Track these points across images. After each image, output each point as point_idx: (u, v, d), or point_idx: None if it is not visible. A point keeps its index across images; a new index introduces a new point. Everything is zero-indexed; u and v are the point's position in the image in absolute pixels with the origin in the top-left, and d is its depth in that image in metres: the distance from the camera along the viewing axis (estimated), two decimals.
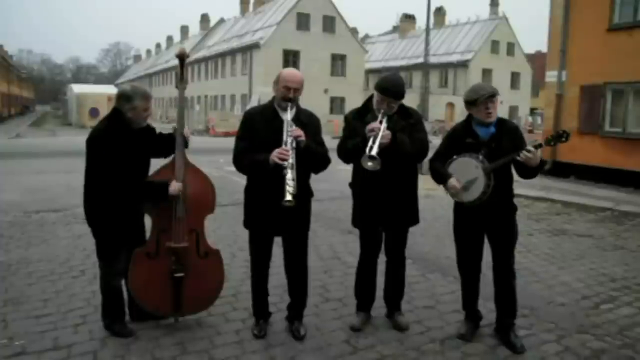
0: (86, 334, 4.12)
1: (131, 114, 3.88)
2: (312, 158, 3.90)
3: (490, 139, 3.93)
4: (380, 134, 3.80)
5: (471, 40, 49.55)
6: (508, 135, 3.94)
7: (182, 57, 4.06)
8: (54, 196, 9.74)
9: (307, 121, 3.94)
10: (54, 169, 13.48)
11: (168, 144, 4.08)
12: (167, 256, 3.99)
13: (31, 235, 7.17)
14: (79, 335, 4.11)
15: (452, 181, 4.00)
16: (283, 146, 3.70)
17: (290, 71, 3.97)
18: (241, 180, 4.08)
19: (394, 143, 3.86)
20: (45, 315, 4.48)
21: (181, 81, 4.06)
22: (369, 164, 3.72)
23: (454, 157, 4.02)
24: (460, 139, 4.03)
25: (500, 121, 4.00)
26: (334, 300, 4.92)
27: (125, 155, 3.82)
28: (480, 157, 3.86)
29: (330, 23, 41.20)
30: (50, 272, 5.59)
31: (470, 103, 3.91)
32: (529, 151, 3.71)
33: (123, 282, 4.11)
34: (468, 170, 3.91)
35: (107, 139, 3.81)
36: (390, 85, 3.98)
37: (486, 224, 4.08)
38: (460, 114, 43.86)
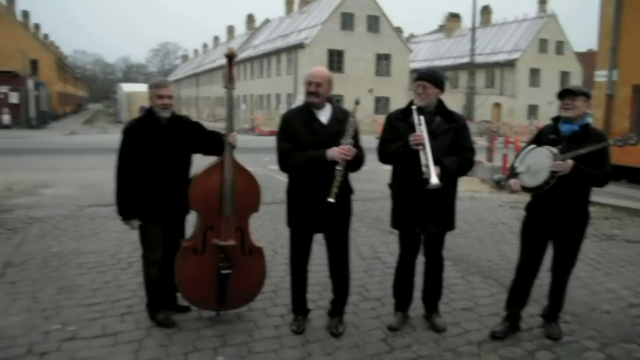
0: (132, 323, 4.31)
1: (151, 103, 4.10)
2: (355, 163, 3.97)
3: (571, 135, 3.93)
4: (426, 143, 3.84)
5: (518, 39, 48.43)
6: (588, 137, 3.89)
7: (231, 56, 4.15)
8: (105, 191, 10.02)
9: (343, 119, 3.98)
10: (105, 165, 13.80)
11: (218, 142, 4.20)
12: (213, 252, 4.12)
13: (83, 228, 7.48)
14: (126, 324, 4.31)
15: (513, 181, 4.10)
16: (343, 145, 3.79)
17: (313, 67, 4.09)
18: (285, 179, 4.18)
19: (439, 164, 3.88)
20: (94, 304, 4.71)
21: (230, 81, 4.17)
22: (432, 186, 3.78)
23: (532, 146, 4.07)
24: (545, 136, 4.07)
25: (587, 125, 3.99)
26: (372, 300, 4.97)
27: (145, 145, 4.03)
28: (555, 150, 3.86)
29: (374, 22, 41.04)
30: (100, 264, 5.83)
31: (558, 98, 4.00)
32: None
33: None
34: (539, 159, 3.93)
35: (129, 128, 4.11)
36: (422, 70, 4.11)
37: (556, 230, 4.05)
38: (507, 114, 43.10)
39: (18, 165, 14.20)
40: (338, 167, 3.79)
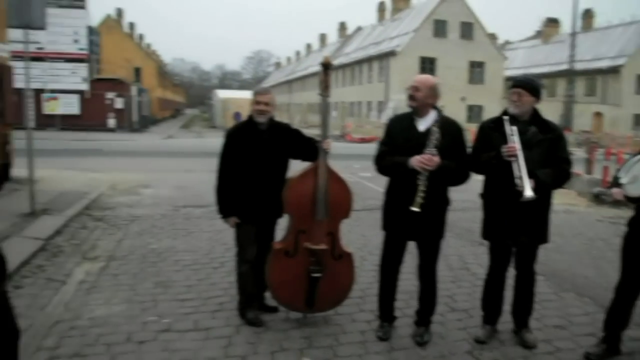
0: (223, 320, 4.49)
1: (252, 109, 4.30)
2: (446, 175, 3.91)
3: None
4: (519, 154, 3.75)
5: (624, 43, 45.54)
6: None
7: (326, 65, 4.26)
8: (200, 193, 10.50)
9: (446, 130, 3.92)
10: (200, 168, 14.53)
11: (312, 149, 4.31)
12: (304, 256, 4.22)
13: (178, 228, 7.86)
14: (217, 320, 4.50)
15: (615, 190, 3.94)
16: (424, 154, 3.78)
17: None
18: (375, 186, 4.23)
19: (533, 177, 3.77)
20: (188, 299, 4.95)
21: (325, 89, 4.26)
22: (526, 198, 3.70)
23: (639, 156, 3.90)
24: None
25: None
26: (460, 311, 4.88)
27: (244, 148, 4.24)
28: None
29: (467, 29, 40.24)
30: (194, 262, 6.11)
31: None
32: None
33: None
34: None
35: (231, 132, 4.37)
36: (518, 77, 4.03)
37: None
38: (610, 124, 40.69)
39: (121, 166, 15.13)
40: (420, 176, 3.78)
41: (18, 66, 12.03)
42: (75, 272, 5.68)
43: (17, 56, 12.23)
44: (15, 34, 10.90)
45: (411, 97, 3.95)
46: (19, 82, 12.60)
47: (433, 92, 3.95)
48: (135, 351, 3.92)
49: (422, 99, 3.93)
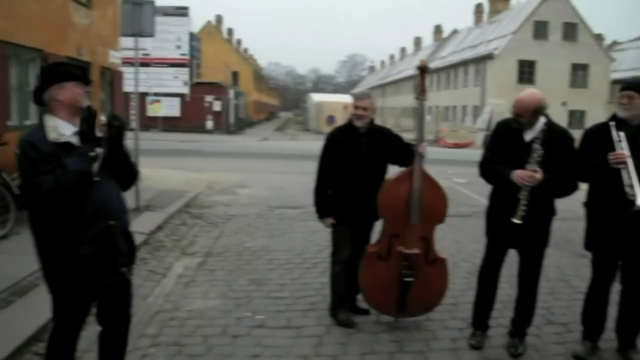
0: (315, 319, 4.56)
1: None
2: (550, 188, 3.76)
3: None
4: (628, 161, 3.55)
5: None
6: None
7: (423, 69, 4.23)
8: (293, 194, 10.73)
9: (553, 139, 3.76)
10: (294, 170, 14.84)
11: (408, 152, 4.29)
12: (397, 259, 4.21)
13: (272, 228, 8.06)
14: (309, 319, 4.57)
15: None
16: (527, 169, 3.68)
17: (524, 92, 3.91)
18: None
19: None
20: (281, 297, 5.07)
21: (422, 93, 4.24)
22: (639, 207, 3.49)
23: None
24: None
25: None
26: (557, 324, 4.66)
27: (342, 151, 4.33)
28: None
29: (571, 30, 38.27)
30: (287, 262, 6.25)
31: None
32: None
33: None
34: None
35: (331, 135, 4.48)
36: (628, 79, 3.83)
37: None
38: None
39: (218, 166, 15.73)
40: (522, 190, 3.68)
41: (127, 71, 12.91)
42: (175, 266, 5.98)
43: (127, 62, 13.10)
44: (125, 41, 11.65)
45: (516, 121, 3.83)
46: (127, 86, 13.51)
47: (537, 113, 3.77)
48: (229, 344, 4.07)
49: (527, 122, 3.79)
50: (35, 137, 2.72)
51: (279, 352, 3.96)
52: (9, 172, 6.78)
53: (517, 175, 3.69)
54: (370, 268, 4.25)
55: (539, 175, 3.65)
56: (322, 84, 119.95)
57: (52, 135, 2.71)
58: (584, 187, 3.97)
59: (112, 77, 12.34)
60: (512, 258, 4.10)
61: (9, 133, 7.44)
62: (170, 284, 5.39)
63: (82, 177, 2.66)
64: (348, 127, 4.42)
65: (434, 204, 4.20)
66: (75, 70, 2.90)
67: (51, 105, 2.81)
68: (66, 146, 2.72)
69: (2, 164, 6.63)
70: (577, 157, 3.87)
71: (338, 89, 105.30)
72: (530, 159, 3.70)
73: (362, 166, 4.30)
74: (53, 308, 2.94)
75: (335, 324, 4.44)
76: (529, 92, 3.86)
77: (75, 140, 2.75)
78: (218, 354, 3.92)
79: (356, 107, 4.33)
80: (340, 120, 4.78)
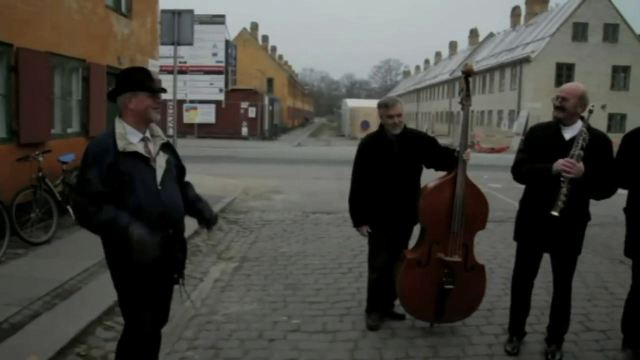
0: (350, 324, 4.58)
1: (382, 121, 4.38)
2: (589, 184, 3.71)
3: None
4: None
5: None
6: None
7: (468, 73, 4.22)
8: (328, 199, 10.80)
9: (592, 141, 3.71)
10: (328, 176, 14.90)
11: (449, 158, 4.29)
12: (437, 267, 4.19)
13: (308, 233, 8.12)
14: (344, 324, 4.60)
15: None
16: (568, 158, 3.63)
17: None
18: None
19: None
20: (316, 302, 5.12)
21: (467, 98, 4.23)
22: None
23: None
24: None
25: None
26: (596, 331, 4.58)
27: (374, 158, 4.35)
28: None
29: (612, 31, 37.32)
30: (323, 266, 6.29)
31: None
32: None
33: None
34: None
35: (363, 143, 4.51)
36: None
37: None
38: None
39: (253, 172, 15.90)
40: (563, 181, 3.61)
41: (165, 79, 13.15)
42: (212, 270, 6.08)
43: (165, 70, 13.37)
44: (163, 50, 11.91)
45: (558, 108, 3.79)
46: (165, 94, 13.72)
47: (582, 100, 3.76)
48: (265, 348, 4.13)
49: (571, 109, 3.76)
50: (103, 144, 2.78)
51: (314, 356, 4.00)
52: (52, 178, 7.01)
53: (560, 163, 3.62)
54: (408, 274, 4.25)
55: (581, 164, 3.60)
56: (356, 89, 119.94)
57: (120, 144, 2.77)
58: (624, 192, 3.91)
59: None
60: (548, 264, 4.05)
61: (52, 141, 7.70)
62: (207, 288, 5.49)
63: (110, 230, 2.74)
64: (379, 134, 4.44)
65: (476, 211, 4.19)
66: (149, 82, 2.90)
67: (122, 110, 2.88)
68: (133, 155, 2.78)
69: (45, 171, 6.85)
70: (615, 160, 3.82)
71: (372, 94, 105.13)
72: (573, 149, 3.64)
73: (395, 172, 4.31)
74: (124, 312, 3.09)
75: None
76: (573, 82, 3.89)
77: (141, 147, 2.83)
78: (254, 357, 3.98)
79: (391, 117, 4.29)
80: (375, 126, 4.78)
